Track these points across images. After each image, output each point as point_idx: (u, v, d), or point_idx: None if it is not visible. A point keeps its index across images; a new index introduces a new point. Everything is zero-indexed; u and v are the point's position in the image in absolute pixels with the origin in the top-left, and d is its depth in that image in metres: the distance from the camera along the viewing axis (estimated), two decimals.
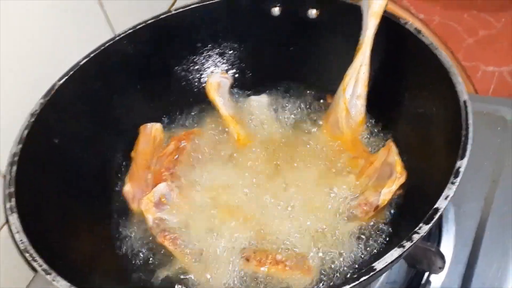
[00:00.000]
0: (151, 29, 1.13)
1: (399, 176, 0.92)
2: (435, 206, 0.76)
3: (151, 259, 0.98)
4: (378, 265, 0.71)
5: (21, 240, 0.81)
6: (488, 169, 1.10)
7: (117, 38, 1.10)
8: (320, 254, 0.93)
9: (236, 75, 1.23)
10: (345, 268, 0.91)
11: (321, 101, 1.18)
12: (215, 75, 1.18)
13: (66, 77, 1.03)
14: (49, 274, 0.77)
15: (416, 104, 1.01)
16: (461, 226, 1.03)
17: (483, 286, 0.95)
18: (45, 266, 0.78)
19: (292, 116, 1.17)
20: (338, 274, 0.90)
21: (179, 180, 1.07)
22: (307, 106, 1.18)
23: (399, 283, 0.98)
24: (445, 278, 0.97)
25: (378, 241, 0.93)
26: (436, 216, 0.75)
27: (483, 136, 1.13)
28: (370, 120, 1.09)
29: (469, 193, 1.07)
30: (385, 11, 1.02)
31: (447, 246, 1.01)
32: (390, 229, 0.94)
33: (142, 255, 0.99)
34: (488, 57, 1.59)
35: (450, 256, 0.99)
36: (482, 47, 1.61)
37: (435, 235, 1.03)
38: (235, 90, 1.22)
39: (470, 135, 0.82)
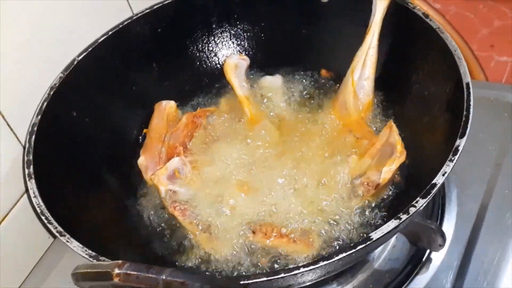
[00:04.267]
0: (168, 10, 1.17)
1: (399, 155, 0.95)
2: (432, 182, 0.79)
3: (162, 228, 1.03)
4: (375, 235, 0.74)
5: (38, 204, 0.86)
6: (493, 153, 1.11)
7: (135, 17, 1.14)
8: (324, 229, 0.96)
9: (250, 56, 1.25)
10: (347, 241, 0.94)
11: (331, 83, 1.21)
12: (233, 57, 1.22)
13: (85, 53, 1.07)
14: (64, 235, 0.81)
15: (422, 86, 1.03)
16: (463, 208, 1.06)
17: (481, 266, 0.97)
18: (59, 228, 0.82)
19: (303, 96, 1.20)
20: (338, 247, 0.93)
21: (192, 155, 1.11)
22: (317, 87, 1.21)
23: (401, 260, 1.01)
24: (445, 256, 1.00)
25: (379, 217, 0.96)
26: (433, 191, 0.78)
27: (489, 121, 1.15)
28: (377, 102, 1.12)
29: (472, 176, 1.09)
30: None
31: (448, 226, 1.04)
32: (392, 205, 0.97)
33: (153, 224, 1.04)
34: (502, 47, 1.59)
35: (451, 236, 1.02)
36: (497, 37, 1.62)
37: (437, 215, 1.05)
38: (250, 70, 1.25)
39: (470, 116, 0.85)
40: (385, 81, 1.10)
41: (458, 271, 0.97)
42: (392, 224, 0.75)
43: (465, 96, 0.87)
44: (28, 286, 1.09)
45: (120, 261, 0.64)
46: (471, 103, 0.86)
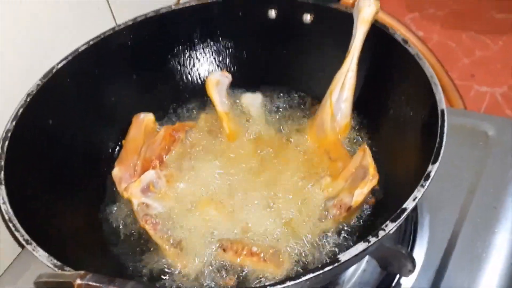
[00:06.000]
0: (151, 23, 1.17)
1: (371, 179, 0.95)
2: (402, 206, 0.79)
3: (132, 240, 1.02)
4: (343, 257, 0.74)
5: (6, 211, 0.84)
6: (467, 181, 1.12)
7: (117, 28, 1.14)
8: (295, 250, 0.96)
9: (232, 73, 1.25)
10: (316, 263, 0.94)
11: (310, 104, 1.21)
12: (216, 73, 1.22)
13: (65, 61, 1.06)
14: (30, 244, 0.80)
15: (398, 111, 1.04)
16: (435, 234, 1.06)
17: None
18: (26, 236, 0.81)
19: (282, 115, 1.21)
20: (308, 267, 0.93)
21: (168, 169, 1.11)
22: (296, 108, 1.22)
23: (371, 284, 1.01)
24: (415, 282, 1.00)
25: (350, 240, 0.96)
26: (403, 216, 0.78)
27: (465, 149, 1.16)
28: (354, 125, 1.13)
29: (445, 203, 1.10)
30: (376, 21, 1.06)
31: (419, 251, 1.04)
32: (363, 228, 0.97)
33: (124, 236, 1.03)
34: (482, 77, 1.61)
35: (422, 261, 1.02)
36: (477, 67, 1.64)
37: (409, 240, 1.05)
38: (231, 87, 1.25)
39: (444, 142, 0.85)
40: (362, 104, 1.11)
41: None
42: (360, 246, 0.75)
43: (440, 122, 0.88)
44: None
45: (82, 272, 0.64)
46: (445, 129, 0.87)
